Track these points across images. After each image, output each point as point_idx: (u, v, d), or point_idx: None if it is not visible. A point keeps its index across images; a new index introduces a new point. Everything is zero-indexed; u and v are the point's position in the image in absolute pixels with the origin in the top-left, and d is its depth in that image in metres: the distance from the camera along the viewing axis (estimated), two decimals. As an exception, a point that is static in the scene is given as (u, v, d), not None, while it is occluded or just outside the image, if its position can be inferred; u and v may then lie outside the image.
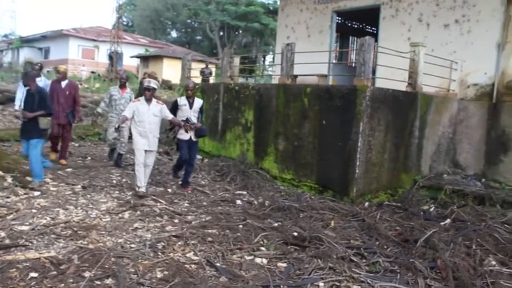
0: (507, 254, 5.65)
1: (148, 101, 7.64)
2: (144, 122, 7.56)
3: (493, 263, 5.24)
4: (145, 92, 7.62)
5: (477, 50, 9.78)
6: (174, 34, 56.99)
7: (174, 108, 8.21)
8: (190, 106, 8.16)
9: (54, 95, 9.02)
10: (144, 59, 35.47)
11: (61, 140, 9.56)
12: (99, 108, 9.84)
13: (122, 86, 9.76)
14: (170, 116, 7.88)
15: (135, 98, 9.10)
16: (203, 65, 19.36)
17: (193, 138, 8.18)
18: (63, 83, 9.26)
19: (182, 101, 8.24)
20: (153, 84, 7.69)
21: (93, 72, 31.80)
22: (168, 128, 8.55)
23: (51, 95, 8.80)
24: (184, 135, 8.11)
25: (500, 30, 9.44)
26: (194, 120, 8.12)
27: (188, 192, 8.09)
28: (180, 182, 8.56)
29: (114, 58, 31.78)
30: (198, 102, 8.35)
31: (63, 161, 9.36)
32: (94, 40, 36.67)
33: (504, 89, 9.39)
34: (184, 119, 8.03)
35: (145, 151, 7.65)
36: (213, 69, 27.24)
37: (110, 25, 34.93)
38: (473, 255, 5.48)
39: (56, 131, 9.18)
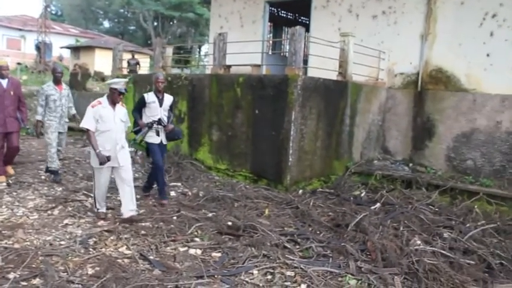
0: (431, 234, 5.97)
1: (114, 104, 6.05)
2: (110, 131, 5.94)
3: (418, 242, 5.50)
4: (116, 96, 5.99)
5: (403, 41, 10.17)
6: (106, 24, 55.20)
7: (140, 106, 6.92)
8: (160, 103, 6.90)
9: None
10: (75, 49, 34.20)
11: (8, 149, 7.94)
12: (38, 115, 7.83)
13: (58, 82, 7.92)
14: (129, 123, 6.44)
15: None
16: (136, 56, 18.99)
17: (164, 142, 7.01)
18: (4, 82, 7.55)
19: (150, 97, 6.88)
20: (124, 84, 6.10)
21: (19, 63, 30.25)
22: (134, 130, 6.96)
23: None
24: (154, 138, 6.87)
25: (423, 22, 9.87)
26: (165, 120, 6.96)
27: (147, 201, 7.08)
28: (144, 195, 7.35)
29: (42, 49, 30.39)
30: (169, 98, 7.07)
31: (10, 169, 8.07)
32: (20, 29, 34.93)
33: (428, 78, 9.85)
34: (155, 119, 6.81)
35: (112, 168, 6.11)
36: (148, 60, 26.75)
37: (37, 14, 33.37)
38: (400, 236, 5.73)
39: (0, 144, 7.70)
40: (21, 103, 7.94)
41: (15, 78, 8.13)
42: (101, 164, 5.83)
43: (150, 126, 6.80)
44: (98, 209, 6.25)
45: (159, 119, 6.81)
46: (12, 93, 7.64)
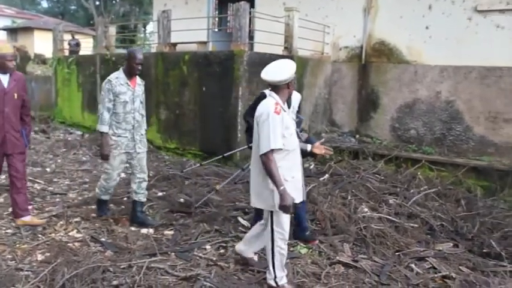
0: (377, 201, 6.17)
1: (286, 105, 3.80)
2: (295, 150, 3.69)
3: (366, 209, 5.70)
4: (292, 88, 3.78)
5: (346, 15, 10.31)
6: (44, 4, 52.68)
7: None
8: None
9: None
10: (12, 31, 32.61)
11: (11, 179, 5.10)
12: (104, 125, 5.13)
13: (133, 76, 5.14)
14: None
15: None
16: (77, 36, 18.39)
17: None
18: (5, 78, 4.84)
19: None
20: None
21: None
22: (250, 146, 4.31)
23: None
24: None
25: (365, -4, 10.04)
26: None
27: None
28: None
29: (-25, 31, 28.82)
30: (296, 97, 4.72)
31: (29, 219, 5.23)
32: None
33: (371, 51, 10.06)
34: None
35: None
36: (91, 41, 25.97)
37: (-33, -6, 31.55)
38: (348, 204, 5.89)
39: None
40: (25, 109, 5.14)
41: (18, 74, 5.11)
42: (286, 211, 3.51)
43: None
44: (276, 277, 3.76)
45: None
46: (16, 96, 4.91)
